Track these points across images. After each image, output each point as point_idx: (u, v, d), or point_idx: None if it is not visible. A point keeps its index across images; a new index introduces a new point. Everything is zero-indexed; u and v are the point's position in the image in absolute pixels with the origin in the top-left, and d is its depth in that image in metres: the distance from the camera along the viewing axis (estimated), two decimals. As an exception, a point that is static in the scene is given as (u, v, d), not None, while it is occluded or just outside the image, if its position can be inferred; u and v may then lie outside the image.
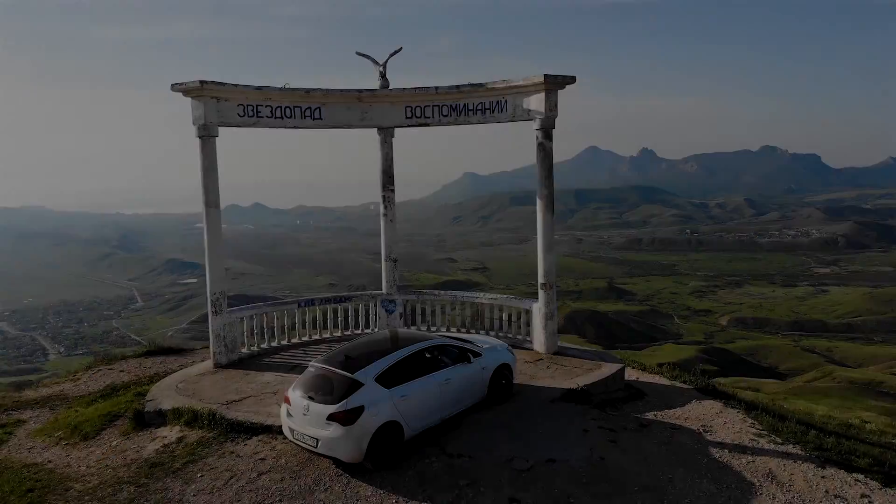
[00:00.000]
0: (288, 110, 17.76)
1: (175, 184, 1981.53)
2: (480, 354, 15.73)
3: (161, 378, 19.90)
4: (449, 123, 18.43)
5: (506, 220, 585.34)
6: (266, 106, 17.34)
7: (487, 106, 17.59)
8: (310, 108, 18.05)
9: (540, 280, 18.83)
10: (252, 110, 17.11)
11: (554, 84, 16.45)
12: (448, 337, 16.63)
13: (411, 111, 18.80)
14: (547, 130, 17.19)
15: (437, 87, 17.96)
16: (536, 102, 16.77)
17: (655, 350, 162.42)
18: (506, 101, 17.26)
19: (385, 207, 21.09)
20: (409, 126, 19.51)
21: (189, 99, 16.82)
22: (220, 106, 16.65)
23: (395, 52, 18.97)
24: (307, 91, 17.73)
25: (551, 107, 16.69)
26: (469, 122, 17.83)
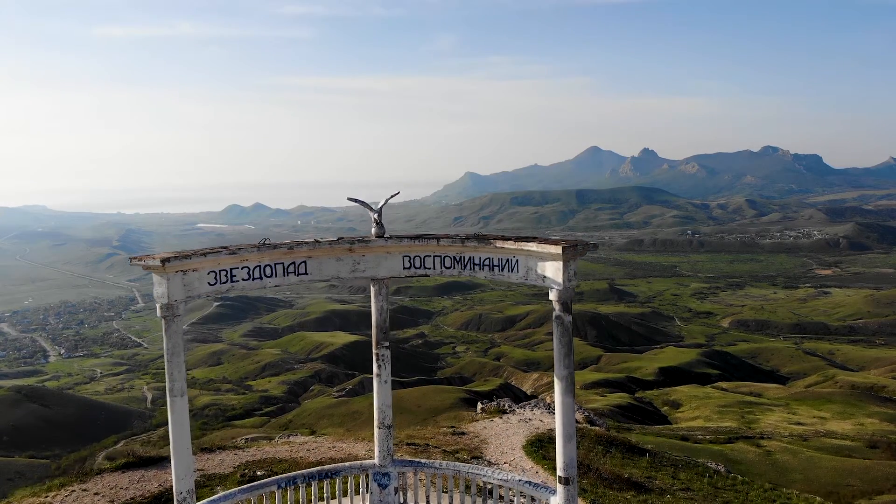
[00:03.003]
0: (268, 269, 15.67)
1: (176, 184, 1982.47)
2: None
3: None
4: (453, 276, 16.58)
5: (506, 221, 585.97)
6: (243, 268, 15.24)
7: (496, 263, 15.59)
8: (293, 262, 15.99)
9: (559, 473, 15.73)
10: (226, 276, 15.00)
11: (573, 253, 14.41)
12: None
13: (409, 261, 16.78)
14: (566, 303, 14.79)
15: (438, 238, 16.28)
16: (553, 270, 14.53)
17: (657, 353, 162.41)
18: (517, 260, 15.22)
19: (378, 367, 17.58)
20: (406, 277, 17.39)
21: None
22: (188, 279, 14.46)
23: (392, 197, 17.43)
24: (290, 247, 15.83)
25: (570, 276, 14.49)
26: (475, 277, 16.16)
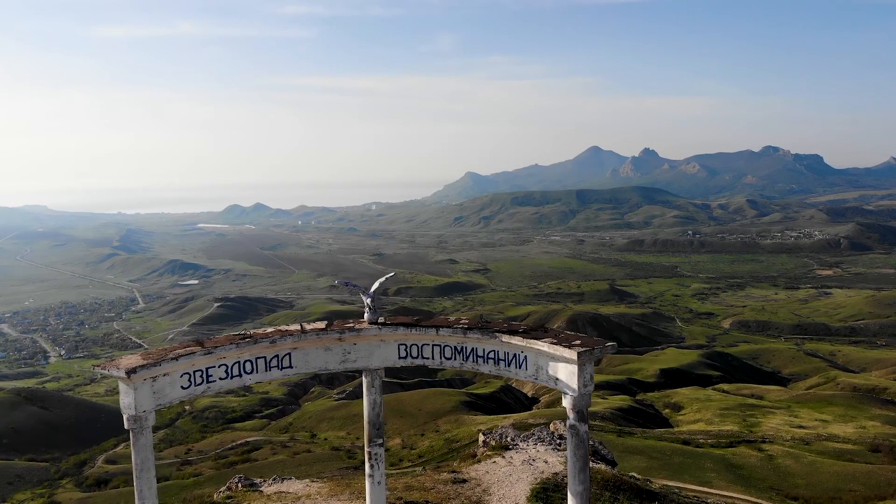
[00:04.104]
0: (248, 364, 14.30)
1: (176, 184, 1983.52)
2: None
3: None
4: (454, 367, 15.37)
5: (507, 221, 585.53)
6: (220, 366, 13.91)
7: (501, 357, 14.34)
8: (277, 356, 14.65)
9: None
10: (201, 377, 13.73)
11: (589, 357, 13.13)
12: None
13: (406, 349, 15.43)
14: (581, 412, 13.33)
15: (437, 327, 14.99)
16: (566, 374, 13.23)
17: (658, 355, 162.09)
18: (525, 357, 13.96)
19: (371, 467, 15.89)
20: (402, 366, 16.18)
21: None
22: (159, 385, 13.09)
23: (388, 278, 16.51)
24: (272, 341, 14.44)
25: (586, 381, 13.15)
26: (479, 371, 14.96)
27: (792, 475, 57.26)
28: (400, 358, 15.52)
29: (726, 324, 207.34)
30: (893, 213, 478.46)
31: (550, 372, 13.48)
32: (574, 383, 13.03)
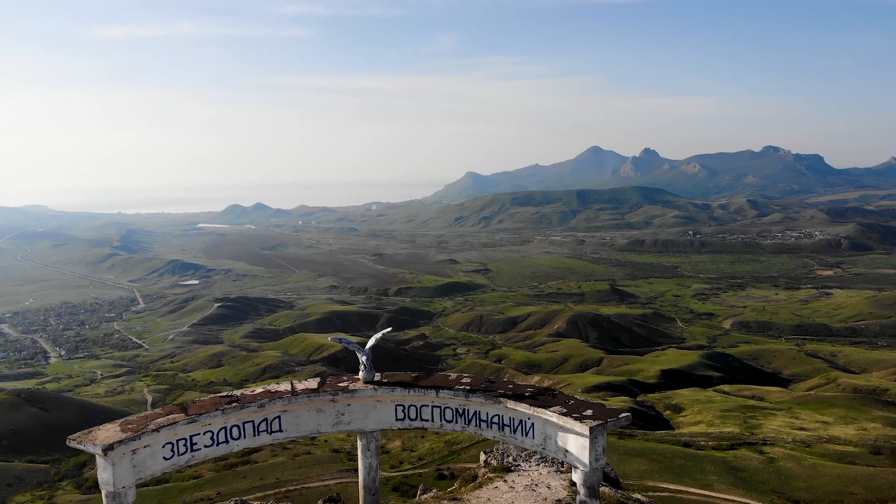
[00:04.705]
0: (235, 430, 13.43)
1: (176, 183, 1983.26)
2: None
3: None
4: (455, 431, 14.68)
5: (507, 221, 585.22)
6: (205, 433, 13.00)
7: (507, 422, 13.50)
8: (266, 419, 13.76)
9: None
10: (185, 445, 12.80)
11: (602, 430, 12.20)
12: None
13: (404, 411, 14.48)
14: (592, 487, 12.32)
15: (437, 389, 14.23)
16: (577, 447, 12.27)
17: (658, 355, 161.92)
18: (532, 424, 13.11)
19: None
20: (400, 429, 15.32)
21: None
22: (139, 458, 12.18)
23: (384, 333, 15.81)
24: (260, 405, 13.56)
25: (598, 454, 12.21)
26: (483, 436, 14.27)
27: (793, 478, 57.12)
28: (397, 420, 14.63)
29: (727, 324, 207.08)
30: (894, 213, 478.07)
31: (560, 443, 12.71)
32: (585, 457, 12.19)
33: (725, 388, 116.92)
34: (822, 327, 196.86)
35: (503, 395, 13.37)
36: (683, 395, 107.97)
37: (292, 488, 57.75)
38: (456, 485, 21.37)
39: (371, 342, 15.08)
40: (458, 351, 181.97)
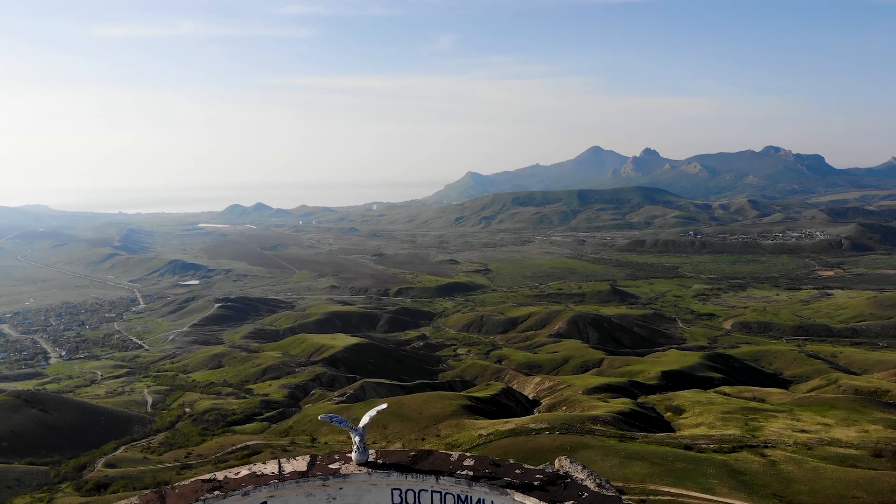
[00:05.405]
0: None
1: (177, 183, 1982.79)
2: None
3: None
4: None
5: (508, 221, 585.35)
6: None
7: None
8: None
9: None
10: None
11: None
12: None
13: (401, 496, 13.66)
14: None
15: (437, 475, 13.47)
16: None
17: (659, 356, 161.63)
18: None
19: None
20: None
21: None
22: None
23: (379, 412, 15.05)
24: (245, 493, 12.83)
25: None
26: None
27: (794, 481, 56.92)
28: None
29: (727, 325, 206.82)
30: (895, 213, 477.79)
31: None
32: None
33: (726, 389, 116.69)
34: (823, 328, 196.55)
35: (510, 486, 12.56)
36: (684, 396, 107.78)
37: None
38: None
39: (365, 420, 14.20)
40: (459, 351, 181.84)
